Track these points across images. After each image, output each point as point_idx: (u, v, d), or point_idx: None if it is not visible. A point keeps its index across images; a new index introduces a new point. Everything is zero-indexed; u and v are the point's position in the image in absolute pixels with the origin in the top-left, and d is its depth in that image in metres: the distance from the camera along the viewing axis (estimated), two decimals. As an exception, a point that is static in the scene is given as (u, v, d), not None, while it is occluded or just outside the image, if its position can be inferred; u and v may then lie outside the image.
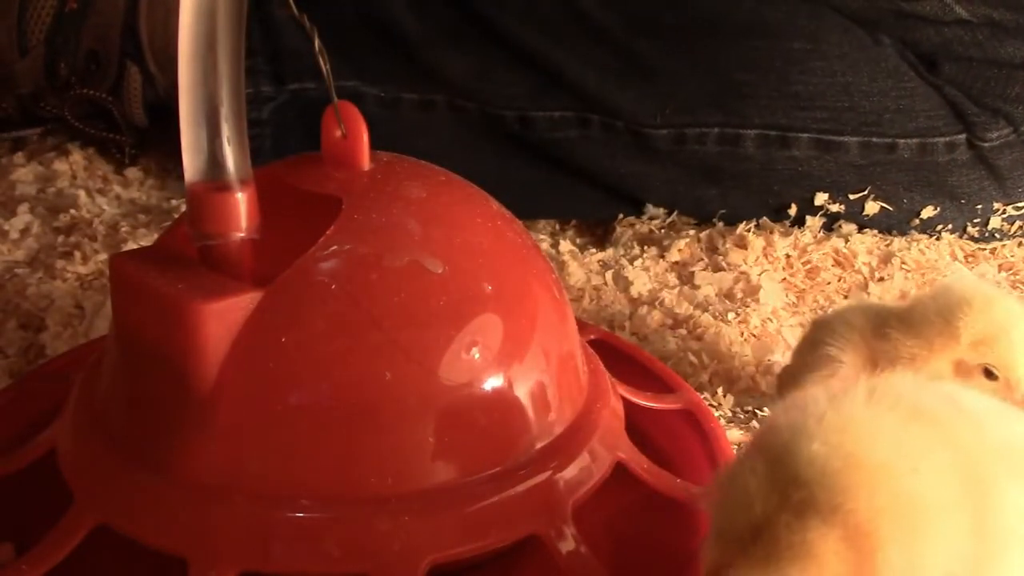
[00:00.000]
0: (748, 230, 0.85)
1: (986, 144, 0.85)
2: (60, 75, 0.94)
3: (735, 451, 0.52)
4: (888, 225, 0.88)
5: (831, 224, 0.87)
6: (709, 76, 0.84)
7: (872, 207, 0.87)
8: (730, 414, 0.61)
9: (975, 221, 0.88)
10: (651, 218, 0.88)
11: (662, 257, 0.83)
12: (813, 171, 0.86)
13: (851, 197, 0.86)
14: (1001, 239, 0.89)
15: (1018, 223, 0.89)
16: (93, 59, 0.93)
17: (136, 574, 0.43)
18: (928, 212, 0.87)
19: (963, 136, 0.85)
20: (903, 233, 0.88)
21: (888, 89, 0.84)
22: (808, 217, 0.87)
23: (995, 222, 0.88)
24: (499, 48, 0.85)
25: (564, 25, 0.85)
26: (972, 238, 0.88)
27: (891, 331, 0.54)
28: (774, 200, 0.87)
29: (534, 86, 0.85)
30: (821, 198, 0.86)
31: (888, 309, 0.56)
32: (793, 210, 0.86)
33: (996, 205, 0.88)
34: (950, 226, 0.88)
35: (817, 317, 0.62)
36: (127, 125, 0.96)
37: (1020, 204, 0.88)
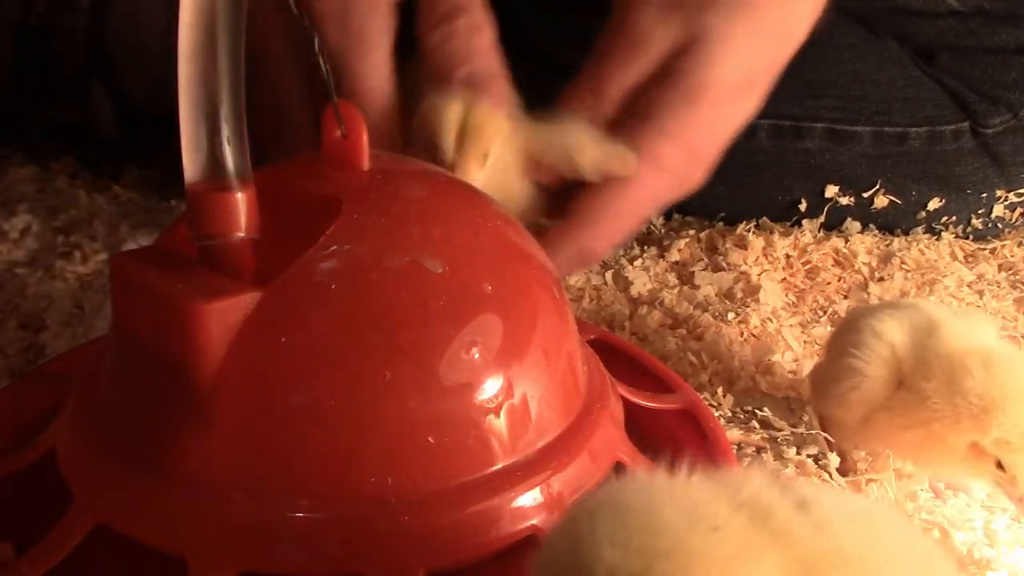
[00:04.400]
0: (748, 230, 0.85)
1: (989, 131, 0.86)
2: (27, 91, 0.92)
3: (735, 451, 0.52)
4: (894, 217, 0.88)
5: (836, 220, 0.87)
6: None
7: (881, 201, 0.87)
8: (730, 414, 0.61)
9: (979, 212, 0.88)
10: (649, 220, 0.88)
11: (662, 257, 0.83)
12: (825, 163, 0.86)
13: (864, 195, 0.86)
14: (1004, 228, 0.89)
15: (1019, 210, 0.89)
16: (57, 78, 0.91)
17: (136, 574, 0.43)
18: (934, 204, 0.87)
19: (967, 124, 0.85)
20: (908, 227, 0.88)
21: (895, 78, 0.85)
22: (812, 214, 0.87)
23: (998, 210, 0.88)
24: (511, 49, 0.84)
25: (568, 18, 0.84)
26: (976, 230, 0.88)
27: (920, 394, 0.51)
28: (784, 196, 0.87)
29: (542, 85, 0.84)
30: (832, 190, 0.86)
31: (924, 345, 0.53)
32: (804, 206, 0.86)
33: (999, 192, 0.88)
34: (954, 218, 0.88)
35: (851, 313, 0.59)
36: (100, 141, 0.93)
37: (1022, 191, 0.89)
